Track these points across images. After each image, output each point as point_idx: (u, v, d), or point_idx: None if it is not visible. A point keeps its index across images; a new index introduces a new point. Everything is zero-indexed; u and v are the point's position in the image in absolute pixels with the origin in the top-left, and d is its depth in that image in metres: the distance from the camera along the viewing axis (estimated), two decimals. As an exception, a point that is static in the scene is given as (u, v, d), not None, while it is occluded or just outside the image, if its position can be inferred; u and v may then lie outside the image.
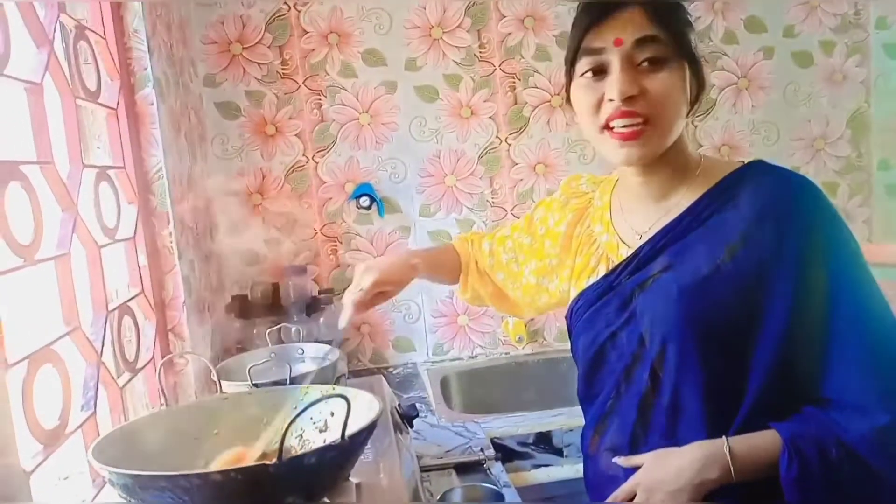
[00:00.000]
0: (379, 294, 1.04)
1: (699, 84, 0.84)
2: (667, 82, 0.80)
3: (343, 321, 1.00)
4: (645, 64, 0.80)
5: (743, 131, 2.17)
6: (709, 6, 2.11)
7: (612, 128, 0.81)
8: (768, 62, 2.16)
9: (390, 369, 2.02)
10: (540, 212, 1.10)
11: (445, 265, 1.19)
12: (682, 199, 0.87)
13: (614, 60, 0.80)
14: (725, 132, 2.16)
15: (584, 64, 0.83)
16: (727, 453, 0.78)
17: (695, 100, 0.84)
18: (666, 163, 0.86)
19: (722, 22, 2.12)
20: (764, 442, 0.78)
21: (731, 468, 0.78)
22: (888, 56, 2.20)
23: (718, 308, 0.80)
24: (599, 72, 0.82)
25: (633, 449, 0.87)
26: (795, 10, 2.15)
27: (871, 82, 2.20)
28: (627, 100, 0.79)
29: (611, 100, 0.80)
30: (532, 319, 2.11)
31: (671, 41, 0.80)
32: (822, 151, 2.21)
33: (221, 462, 0.75)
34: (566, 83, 0.89)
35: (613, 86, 0.79)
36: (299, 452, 0.71)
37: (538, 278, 1.08)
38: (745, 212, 0.82)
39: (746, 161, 0.88)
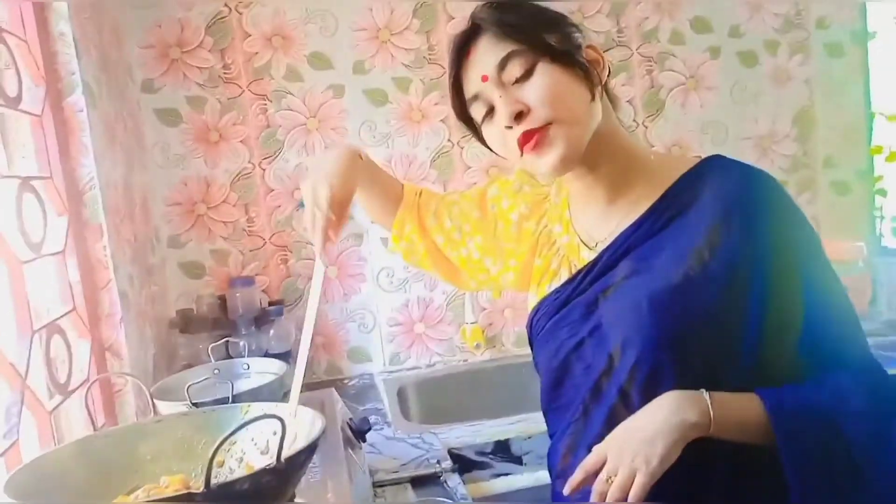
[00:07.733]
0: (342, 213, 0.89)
1: (584, 70, 0.80)
2: (542, 86, 0.78)
3: (324, 261, 0.86)
4: (517, 79, 0.79)
5: (693, 131, 2.18)
6: (655, 6, 2.12)
7: (525, 150, 0.80)
8: (715, 62, 2.18)
9: (346, 381, 1.96)
10: (494, 189, 1.04)
11: (388, 187, 1.06)
12: (641, 199, 0.84)
13: (492, 94, 0.80)
14: (675, 132, 2.17)
15: (476, 112, 0.84)
16: (706, 397, 0.73)
17: (591, 84, 0.81)
18: (608, 161, 0.84)
19: (669, 23, 2.13)
20: (742, 398, 0.74)
21: (711, 411, 0.71)
22: (829, 55, 2.24)
23: (692, 321, 0.77)
24: (491, 110, 0.82)
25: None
26: (740, 9, 2.18)
27: (815, 81, 2.25)
28: (518, 119, 0.78)
29: (508, 127, 0.80)
30: (490, 324, 2.08)
31: (530, 47, 0.79)
32: (769, 150, 2.24)
33: (147, 491, 0.70)
34: (478, 139, 0.88)
35: (500, 116, 0.80)
36: (234, 477, 0.66)
37: (482, 255, 1.02)
38: (709, 212, 0.79)
39: (703, 156, 0.86)
